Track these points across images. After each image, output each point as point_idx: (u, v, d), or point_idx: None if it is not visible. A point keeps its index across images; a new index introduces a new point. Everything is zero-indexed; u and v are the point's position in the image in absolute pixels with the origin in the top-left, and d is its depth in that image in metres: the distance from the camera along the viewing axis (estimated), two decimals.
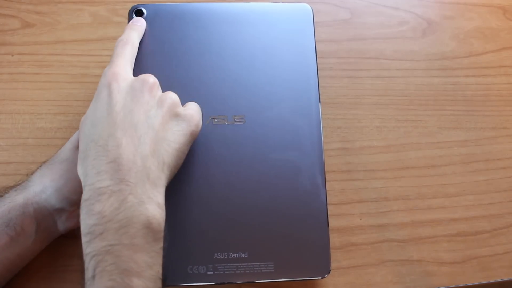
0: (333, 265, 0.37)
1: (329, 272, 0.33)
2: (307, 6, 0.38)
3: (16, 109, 0.40)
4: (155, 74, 0.30)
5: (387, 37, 0.45)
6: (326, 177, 0.36)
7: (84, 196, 0.25)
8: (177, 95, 0.30)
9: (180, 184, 0.32)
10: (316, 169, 0.34)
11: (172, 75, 0.34)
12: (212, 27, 0.36)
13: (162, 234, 0.26)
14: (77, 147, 0.32)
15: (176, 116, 0.29)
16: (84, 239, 0.25)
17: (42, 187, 0.31)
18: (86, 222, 0.25)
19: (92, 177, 0.25)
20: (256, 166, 0.34)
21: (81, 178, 0.26)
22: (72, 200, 0.31)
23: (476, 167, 0.42)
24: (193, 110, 0.31)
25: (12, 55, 0.41)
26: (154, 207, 0.26)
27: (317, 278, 0.33)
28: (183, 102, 0.31)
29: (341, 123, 0.42)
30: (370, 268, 0.38)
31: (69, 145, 0.33)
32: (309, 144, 0.35)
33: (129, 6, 0.37)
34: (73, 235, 0.37)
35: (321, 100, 0.37)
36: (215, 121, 0.34)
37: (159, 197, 0.27)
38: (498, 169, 0.42)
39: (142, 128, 0.27)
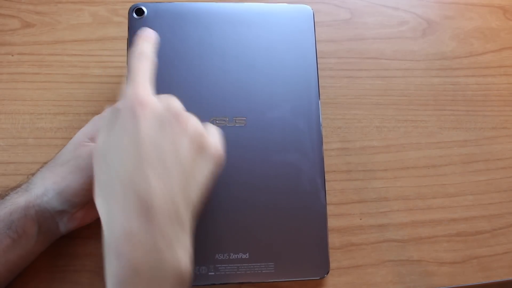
0: (333, 265, 0.37)
1: (328, 273, 0.33)
2: (308, 7, 0.38)
3: (16, 109, 0.40)
4: (156, 75, 0.30)
5: (387, 37, 0.45)
6: (326, 177, 0.36)
7: (108, 237, 0.23)
8: (178, 95, 0.29)
9: None
10: (316, 171, 0.34)
11: (173, 75, 0.34)
12: (212, 27, 0.36)
13: (190, 283, 0.25)
14: (78, 148, 0.32)
15: (202, 149, 0.26)
16: (109, 286, 0.23)
17: (44, 190, 0.31)
18: (112, 268, 0.23)
19: (117, 217, 0.23)
20: (256, 167, 0.34)
21: (102, 216, 0.24)
22: (74, 203, 0.31)
23: (476, 167, 0.42)
24: (217, 141, 0.28)
25: (12, 55, 0.41)
26: (184, 253, 0.24)
27: (316, 278, 0.34)
28: (184, 103, 0.31)
29: (341, 123, 0.42)
30: (370, 268, 0.38)
31: (70, 146, 0.33)
32: (309, 146, 0.35)
33: (129, 6, 0.37)
34: (74, 235, 0.37)
35: (321, 100, 0.37)
36: (216, 122, 0.34)
37: (188, 240, 0.25)
38: (498, 169, 0.42)
39: (172, 164, 0.24)
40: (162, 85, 0.31)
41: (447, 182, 0.41)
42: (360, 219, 0.39)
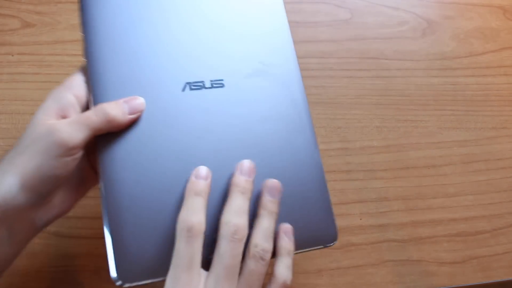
0: (333, 265, 0.37)
1: (336, 239, 0.32)
2: None
3: (16, 109, 0.40)
4: (122, 43, 0.28)
5: (387, 37, 0.45)
6: (326, 177, 0.36)
7: None
8: (147, 61, 0.28)
9: (162, 160, 0.29)
10: (306, 128, 0.32)
11: (139, 41, 0.30)
12: None
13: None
14: (36, 129, 0.27)
15: None
16: None
17: (7, 187, 0.26)
18: None
19: None
20: (242, 135, 0.31)
21: None
22: (43, 193, 0.27)
23: (476, 167, 0.42)
24: None
25: (12, 55, 0.41)
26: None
27: (324, 246, 0.31)
28: (155, 70, 0.29)
29: (341, 123, 0.42)
30: (370, 268, 0.38)
31: (28, 130, 0.28)
32: (294, 104, 0.32)
33: None
34: (74, 235, 0.37)
35: (321, 100, 0.37)
36: (192, 87, 0.31)
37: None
38: (498, 169, 0.42)
39: None
40: (128, 53, 0.29)
41: (447, 182, 0.41)
42: (360, 219, 0.39)
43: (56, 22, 0.43)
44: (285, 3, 0.46)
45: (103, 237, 0.38)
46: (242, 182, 0.28)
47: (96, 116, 0.26)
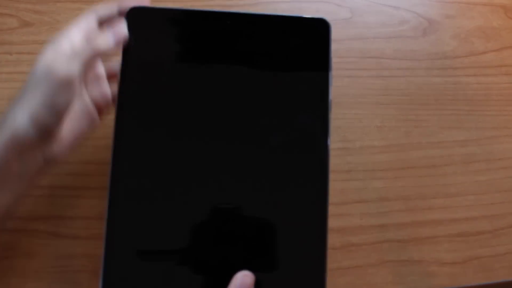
0: (333, 265, 0.37)
1: None
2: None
3: None
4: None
5: (387, 36, 0.45)
6: None
7: None
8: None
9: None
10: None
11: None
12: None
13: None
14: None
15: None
16: None
17: (20, 122, 0.28)
18: None
19: None
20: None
21: None
22: (50, 126, 0.29)
23: (477, 167, 0.42)
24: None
25: (11, 54, 0.41)
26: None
27: None
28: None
29: (341, 123, 0.42)
30: (371, 268, 0.38)
31: (31, 73, 0.29)
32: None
33: None
34: (74, 235, 0.37)
35: None
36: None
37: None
38: (499, 169, 0.42)
39: None
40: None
41: (448, 182, 0.41)
42: (361, 219, 0.39)
43: (55, 21, 0.43)
44: (284, 2, 0.46)
45: (102, 238, 0.38)
46: None
47: (86, 50, 0.30)
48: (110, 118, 0.40)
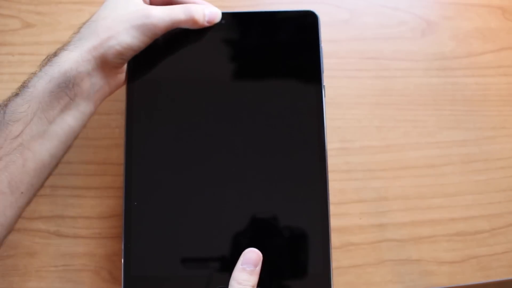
0: (333, 264, 0.37)
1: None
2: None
3: None
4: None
5: (386, 37, 0.45)
6: None
7: None
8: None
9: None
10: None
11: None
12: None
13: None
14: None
15: None
16: None
17: (121, 30, 0.31)
18: None
19: None
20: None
21: None
22: (123, 59, 0.32)
23: (475, 166, 0.42)
24: None
25: (13, 55, 0.41)
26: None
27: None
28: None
29: (340, 123, 0.42)
30: (370, 267, 0.38)
31: (124, 6, 0.32)
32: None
33: None
34: (74, 235, 0.37)
35: None
36: None
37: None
38: (497, 168, 0.42)
39: None
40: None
41: (447, 182, 0.41)
42: (360, 218, 0.39)
43: (57, 22, 0.43)
44: (283, 4, 0.46)
45: (103, 237, 0.38)
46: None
47: (183, 14, 0.32)
48: (110, 118, 0.40)
